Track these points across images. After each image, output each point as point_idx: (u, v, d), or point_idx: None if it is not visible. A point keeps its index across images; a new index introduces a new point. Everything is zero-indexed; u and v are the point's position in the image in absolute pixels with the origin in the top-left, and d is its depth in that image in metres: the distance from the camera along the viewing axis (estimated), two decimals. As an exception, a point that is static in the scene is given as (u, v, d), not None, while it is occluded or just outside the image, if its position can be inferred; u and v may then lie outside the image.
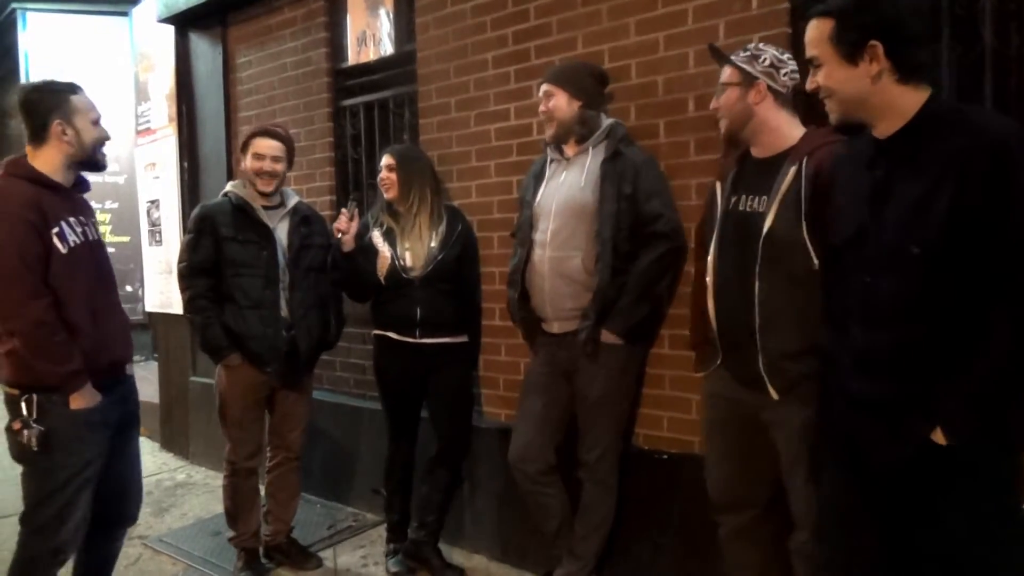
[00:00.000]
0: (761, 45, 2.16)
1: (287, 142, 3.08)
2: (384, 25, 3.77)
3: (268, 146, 3.01)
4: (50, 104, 2.30)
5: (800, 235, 1.94)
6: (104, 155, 2.44)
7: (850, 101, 1.57)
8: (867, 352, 1.58)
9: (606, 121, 2.67)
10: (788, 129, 2.10)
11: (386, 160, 3.03)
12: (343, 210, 3.01)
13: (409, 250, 2.97)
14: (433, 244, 2.97)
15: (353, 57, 3.93)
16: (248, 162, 3.01)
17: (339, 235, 2.97)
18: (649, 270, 2.54)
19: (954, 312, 1.46)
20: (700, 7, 2.63)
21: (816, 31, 1.57)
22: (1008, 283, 1.40)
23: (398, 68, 3.74)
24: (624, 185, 2.54)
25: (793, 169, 1.99)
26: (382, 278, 2.99)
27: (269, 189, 3.02)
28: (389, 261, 2.97)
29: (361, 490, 3.86)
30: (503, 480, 3.17)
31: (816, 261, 1.91)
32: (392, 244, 2.99)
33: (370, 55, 3.84)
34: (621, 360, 2.62)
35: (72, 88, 2.37)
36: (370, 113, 3.90)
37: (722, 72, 2.18)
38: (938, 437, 1.46)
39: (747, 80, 2.10)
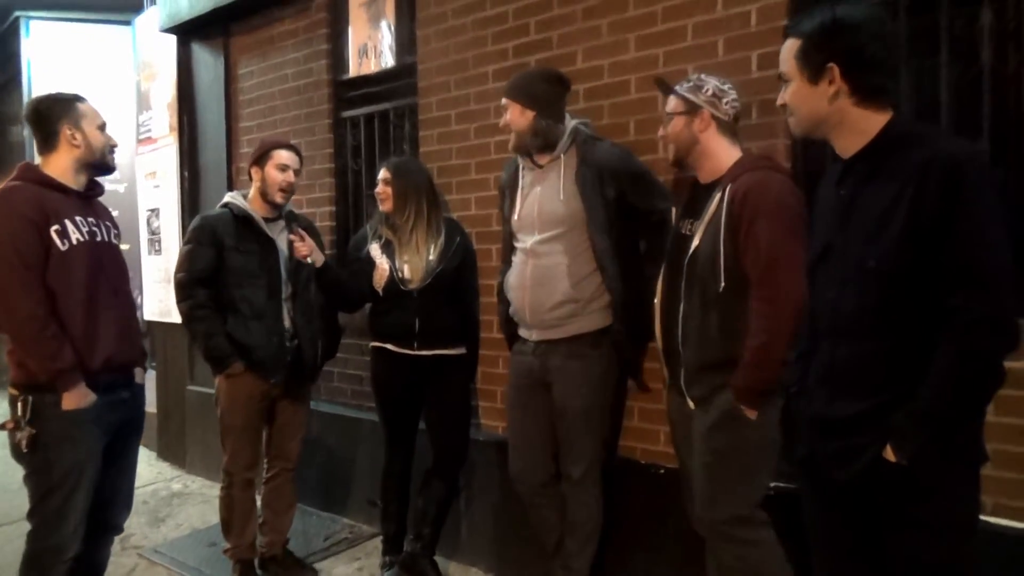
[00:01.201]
0: (703, 76, 2.28)
1: (301, 156, 3.12)
2: (385, 37, 3.78)
3: (291, 158, 3.04)
4: (59, 111, 2.43)
5: (717, 257, 2.09)
6: (113, 158, 2.55)
7: (808, 119, 1.63)
8: (830, 366, 1.62)
9: (570, 124, 2.62)
10: (726, 155, 2.22)
11: (382, 174, 3.04)
12: (291, 236, 2.99)
13: (407, 263, 2.98)
14: (432, 256, 2.98)
15: (354, 69, 3.95)
16: (270, 173, 3.00)
17: (305, 259, 2.98)
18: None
19: (909, 328, 1.49)
20: (700, 24, 2.64)
21: (786, 50, 1.63)
22: (954, 300, 1.42)
23: (399, 80, 3.76)
24: (607, 189, 2.52)
25: (719, 195, 2.12)
26: (380, 290, 2.99)
27: (285, 202, 3.05)
28: (387, 273, 2.97)
29: (357, 502, 3.85)
30: (500, 492, 3.17)
31: (723, 284, 2.07)
32: (390, 256, 3.00)
33: (371, 67, 3.86)
34: (598, 371, 2.59)
35: (78, 97, 2.51)
36: (370, 124, 3.92)
37: (667, 102, 2.29)
38: (888, 454, 1.49)
39: (692, 109, 2.22)
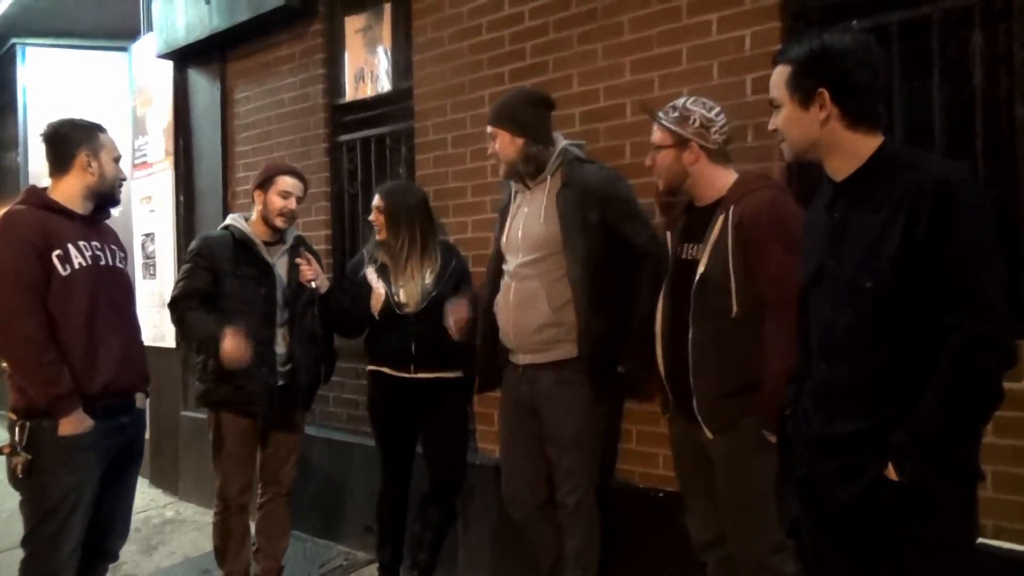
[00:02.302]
0: (688, 104, 2.21)
1: (305, 182, 3.11)
2: (382, 62, 3.81)
3: (294, 185, 3.02)
4: (80, 137, 2.47)
5: (727, 282, 2.05)
6: (120, 191, 2.59)
7: (801, 143, 1.65)
8: (827, 387, 1.63)
9: (560, 144, 2.59)
10: (723, 179, 2.20)
11: (375, 201, 3.03)
12: (298, 260, 2.99)
13: (403, 287, 2.97)
14: (428, 280, 2.97)
15: (350, 93, 3.97)
16: (272, 199, 2.98)
17: (310, 284, 2.97)
18: (650, 299, 2.40)
19: (905, 348, 1.50)
20: (694, 48, 2.67)
21: (777, 76, 1.66)
22: (951, 319, 1.44)
23: (395, 104, 3.78)
24: (590, 213, 2.48)
25: (722, 218, 2.09)
26: (376, 314, 2.98)
27: (286, 227, 3.04)
28: (383, 297, 2.96)
29: (353, 528, 3.81)
30: (497, 517, 3.14)
31: (736, 308, 2.03)
32: (386, 280, 2.99)
33: (367, 91, 3.88)
34: (587, 396, 2.54)
35: (100, 126, 2.55)
36: (367, 149, 3.93)
37: (654, 131, 2.26)
38: (890, 473, 1.49)
39: (679, 142, 2.18)
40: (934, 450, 1.46)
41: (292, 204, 3.01)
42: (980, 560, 2.08)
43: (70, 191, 2.45)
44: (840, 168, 1.63)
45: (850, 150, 1.60)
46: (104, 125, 2.57)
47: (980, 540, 2.09)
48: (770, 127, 1.73)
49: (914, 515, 1.49)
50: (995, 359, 1.43)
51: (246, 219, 3.07)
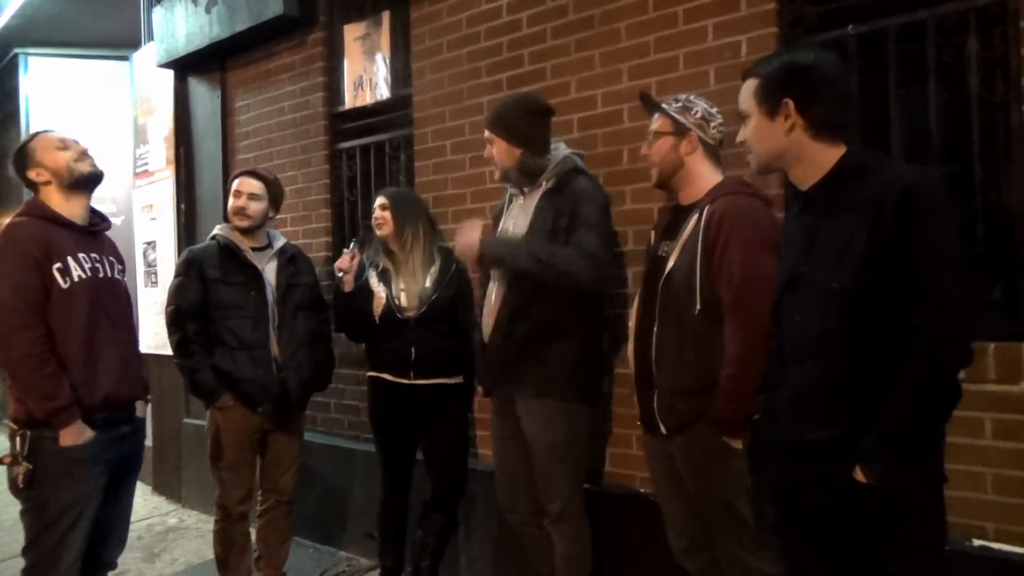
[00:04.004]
0: (692, 97, 2.26)
1: (269, 183, 3.11)
2: (381, 70, 3.82)
3: (246, 184, 3.05)
4: (19, 163, 2.48)
5: (693, 279, 2.07)
6: (90, 164, 2.51)
7: (767, 153, 1.71)
8: (799, 391, 1.65)
9: (562, 152, 2.58)
10: (708, 179, 2.22)
11: (380, 200, 3.06)
12: (345, 250, 3.03)
13: (404, 290, 2.98)
14: (427, 284, 2.98)
15: (350, 101, 3.98)
16: (230, 202, 3.06)
17: (340, 274, 2.98)
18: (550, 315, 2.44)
19: (874, 350, 1.53)
20: (691, 54, 2.68)
21: (746, 89, 1.73)
22: (914, 318, 1.47)
23: (394, 112, 3.79)
24: (560, 218, 2.46)
25: (695, 216, 2.11)
26: (377, 319, 2.98)
27: (244, 225, 3.04)
28: (384, 302, 2.97)
29: (354, 534, 3.81)
30: (498, 524, 3.14)
31: (699, 307, 2.05)
32: (387, 285, 3.00)
33: (367, 99, 3.89)
34: (564, 406, 2.52)
35: (32, 136, 2.54)
36: (366, 156, 3.94)
37: (653, 120, 2.28)
38: (859, 476, 1.51)
39: (679, 131, 2.21)
40: (902, 451, 1.49)
41: (242, 202, 3.02)
42: (981, 563, 2.10)
43: (52, 201, 2.46)
44: (805, 177, 1.68)
45: (814, 159, 1.65)
46: (42, 129, 2.59)
47: (981, 543, 2.12)
48: (738, 139, 1.78)
49: (885, 517, 1.52)
50: (957, 357, 1.48)
51: (232, 228, 3.09)
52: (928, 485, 1.56)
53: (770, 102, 1.66)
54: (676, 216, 2.28)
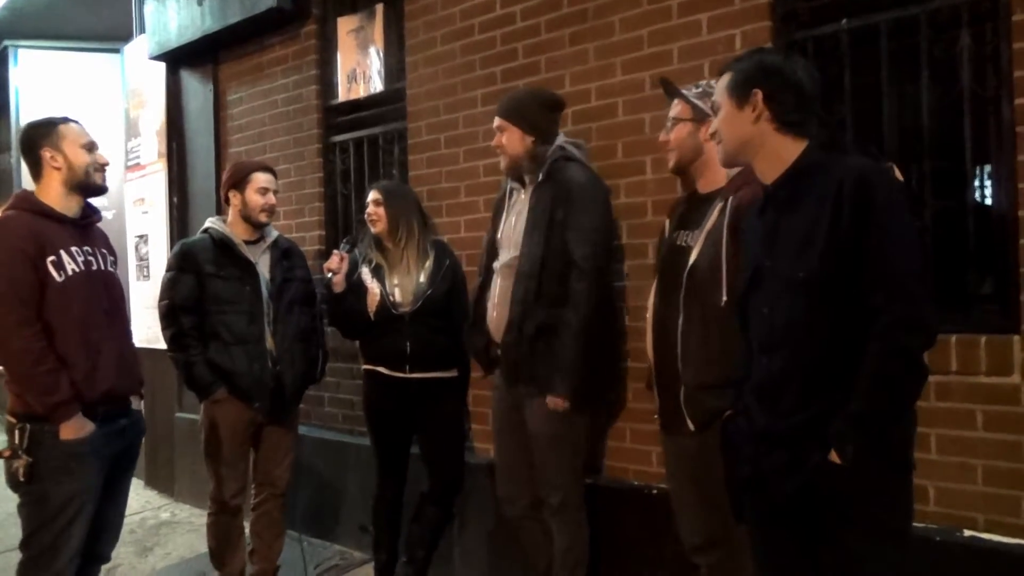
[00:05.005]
0: (712, 83, 2.20)
1: (276, 175, 3.14)
2: (374, 63, 3.82)
3: (269, 180, 3.05)
4: (38, 136, 2.41)
5: (719, 270, 2.05)
6: (102, 178, 2.49)
7: (734, 142, 1.76)
8: (767, 381, 1.69)
9: (557, 142, 2.59)
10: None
11: (372, 195, 3.04)
12: (335, 251, 3.02)
13: (398, 285, 2.98)
14: (422, 279, 2.98)
15: (343, 94, 3.97)
16: (251, 196, 3.00)
17: (329, 274, 2.98)
18: (573, 318, 2.42)
19: (840, 336, 1.58)
20: (685, 48, 2.68)
21: (720, 83, 1.79)
22: (875, 301, 1.52)
23: (388, 105, 3.78)
24: (557, 211, 2.48)
25: (720, 205, 2.10)
26: (372, 314, 2.98)
27: (268, 221, 3.07)
28: (378, 297, 2.97)
29: (349, 528, 3.81)
30: (493, 517, 3.15)
31: (725, 297, 2.03)
32: (381, 280, 3.00)
33: (360, 92, 3.89)
34: (570, 406, 2.49)
35: (63, 120, 2.47)
36: (360, 149, 3.93)
37: (672, 106, 2.27)
38: (833, 457, 1.55)
39: (699, 117, 2.18)
40: (870, 431, 1.53)
41: (272, 199, 3.04)
42: (972, 553, 2.12)
43: (51, 192, 2.40)
44: (767, 171, 1.74)
45: (777, 152, 1.71)
46: (72, 117, 2.49)
47: (972, 534, 2.14)
48: (710, 131, 1.84)
49: (851, 499, 1.56)
50: (918, 338, 1.53)
51: (225, 221, 3.08)
52: (896, 471, 1.61)
53: (740, 94, 1.72)
54: (692, 205, 2.26)
